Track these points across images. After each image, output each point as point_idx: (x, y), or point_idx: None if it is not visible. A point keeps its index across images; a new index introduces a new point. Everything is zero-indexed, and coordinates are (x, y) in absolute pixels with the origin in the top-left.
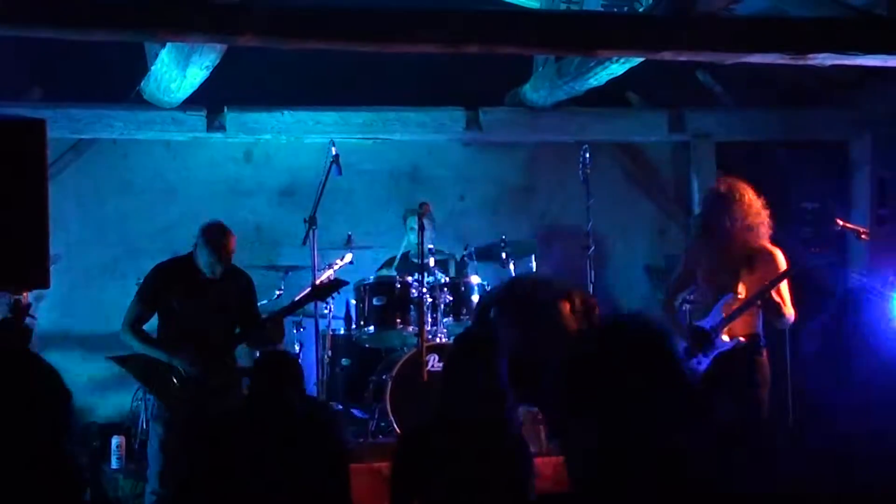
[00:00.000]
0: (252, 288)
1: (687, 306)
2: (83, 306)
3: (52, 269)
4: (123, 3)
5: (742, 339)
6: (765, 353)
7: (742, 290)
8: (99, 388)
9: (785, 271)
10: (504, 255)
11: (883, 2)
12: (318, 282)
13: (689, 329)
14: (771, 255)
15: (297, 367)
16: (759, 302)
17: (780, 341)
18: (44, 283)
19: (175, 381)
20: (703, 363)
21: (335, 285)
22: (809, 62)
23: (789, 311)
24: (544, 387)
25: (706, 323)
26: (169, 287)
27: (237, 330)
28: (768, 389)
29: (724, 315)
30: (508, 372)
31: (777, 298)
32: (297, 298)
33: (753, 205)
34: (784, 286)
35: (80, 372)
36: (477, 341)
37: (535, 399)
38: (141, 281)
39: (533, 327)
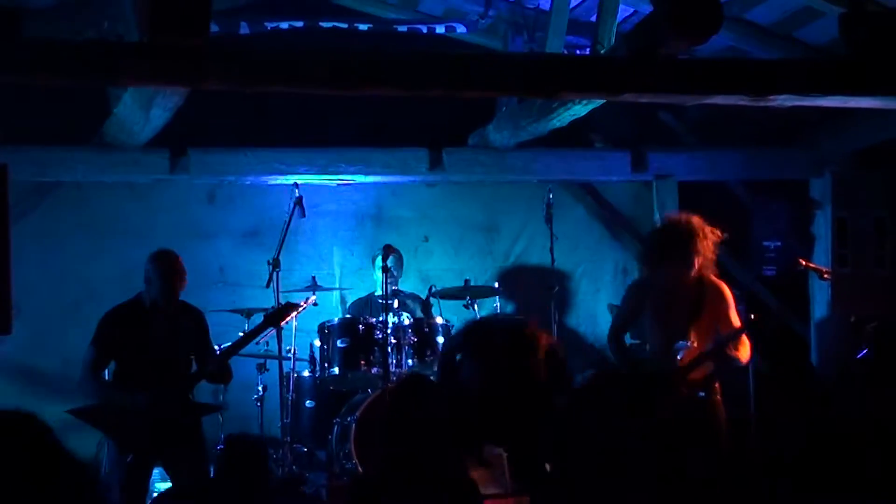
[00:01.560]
0: (205, 324)
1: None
2: (46, 349)
3: (13, 313)
4: (86, 49)
5: (702, 392)
6: (719, 393)
7: (694, 338)
8: (61, 432)
9: (737, 329)
10: (468, 295)
11: (842, 43)
12: (270, 309)
13: (640, 374)
14: (720, 291)
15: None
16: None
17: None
18: (5, 328)
19: (135, 424)
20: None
21: (288, 308)
22: (770, 104)
23: (745, 356)
24: (518, 434)
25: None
26: (121, 330)
27: (194, 367)
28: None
29: (679, 364)
30: (476, 414)
31: (731, 353)
32: (251, 330)
33: (710, 239)
34: (736, 319)
35: (42, 415)
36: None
37: (503, 441)
38: None
39: (498, 370)
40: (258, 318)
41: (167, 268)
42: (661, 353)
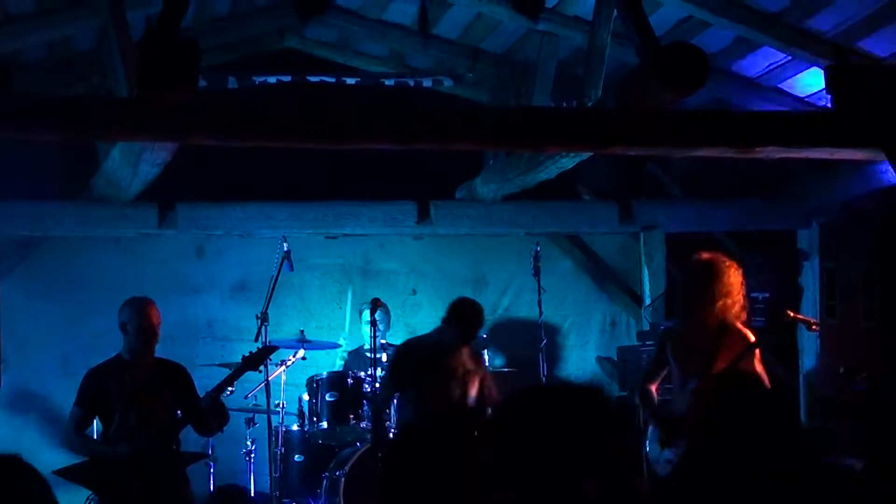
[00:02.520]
0: (189, 378)
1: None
2: (34, 404)
3: (2, 368)
4: (75, 104)
5: None
6: None
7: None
8: (52, 486)
9: (752, 343)
10: None
11: (828, 95)
12: (248, 353)
13: (660, 419)
14: (741, 337)
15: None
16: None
17: None
18: None
19: (121, 479)
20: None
21: (266, 352)
22: (756, 155)
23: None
24: None
25: (676, 410)
26: (103, 386)
27: (179, 414)
28: None
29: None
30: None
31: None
32: (230, 374)
33: (735, 281)
34: (758, 367)
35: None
36: None
37: None
38: None
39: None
40: (247, 372)
41: (139, 310)
42: (676, 396)
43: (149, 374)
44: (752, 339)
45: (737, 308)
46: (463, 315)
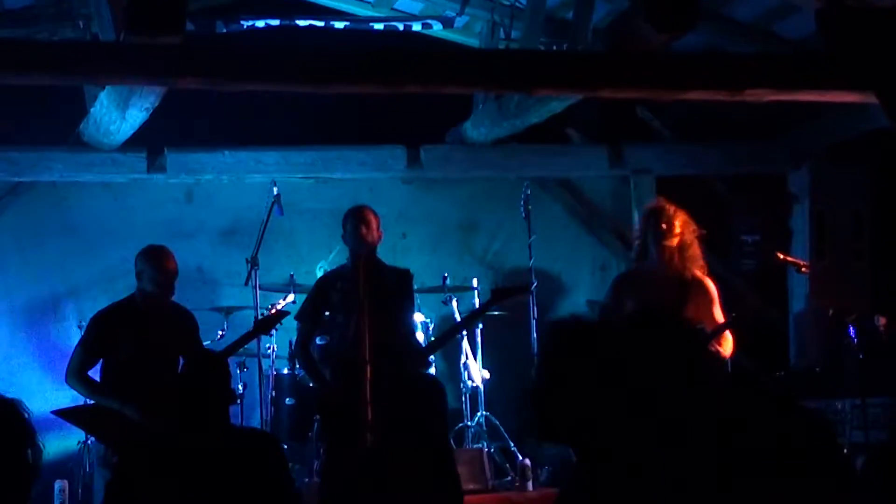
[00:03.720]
0: (196, 329)
1: None
2: (25, 348)
3: None
4: (63, 47)
5: None
6: None
7: None
8: (41, 431)
9: (720, 325)
10: (446, 292)
11: (818, 37)
12: (260, 317)
13: None
14: (704, 287)
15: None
16: None
17: None
18: None
19: (123, 426)
20: None
21: (278, 317)
22: (746, 98)
23: (728, 350)
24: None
25: None
26: (112, 333)
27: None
28: None
29: None
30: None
31: (714, 348)
32: (241, 336)
33: (687, 224)
34: (720, 316)
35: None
36: None
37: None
38: (83, 326)
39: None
40: (237, 317)
41: (156, 259)
42: None
43: (163, 320)
44: (714, 290)
45: (697, 258)
46: (349, 215)
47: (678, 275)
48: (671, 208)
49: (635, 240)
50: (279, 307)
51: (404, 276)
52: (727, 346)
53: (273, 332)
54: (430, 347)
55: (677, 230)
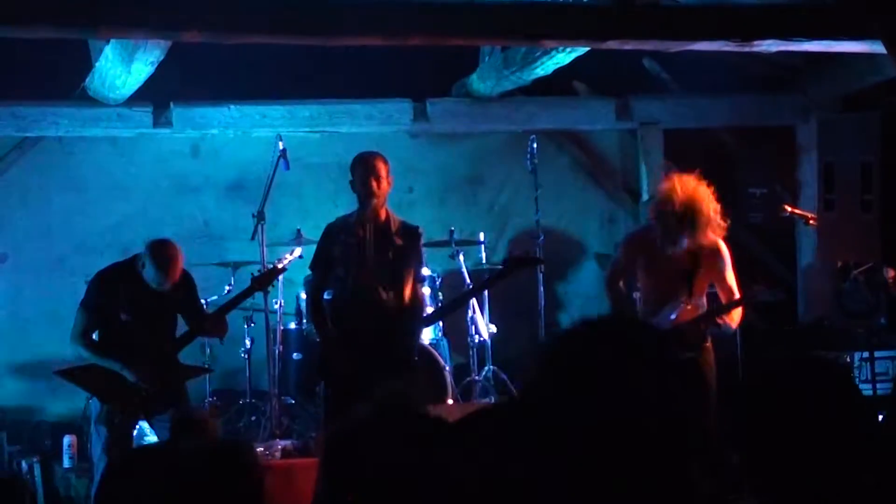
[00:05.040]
0: (194, 287)
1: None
2: (32, 304)
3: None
4: (64, 1)
5: (690, 353)
6: (711, 353)
7: (686, 298)
8: (50, 387)
9: (734, 301)
10: (453, 246)
11: None
12: (258, 273)
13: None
14: (717, 251)
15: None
16: (703, 325)
17: None
18: None
19: (125, 387)
20: None
21: (274, 272)
22: (755, 49)
23: (735, 321)
24: None
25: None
26: (113, 295)
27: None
28: (715, 377)
29: (673, 324)
30: None
31: (724, 321)
32: (238, 293)
33: (707, 209)
34: (732, 279)
35: (30, 370)
36: None
37: None
38: (87, 282)
39: None
40: (244, 271)
41: (164, 263)
42: (651, 311)
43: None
44: (726, 252)
45: (712, 224)
46: (358, 163)
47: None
48: (687, 177)
49: (651, 200)
50: (286, 261)
51: (413, 233)
52: (736, 314)
53: (270, 288)
54: (437, 314)
55: (700, 234)
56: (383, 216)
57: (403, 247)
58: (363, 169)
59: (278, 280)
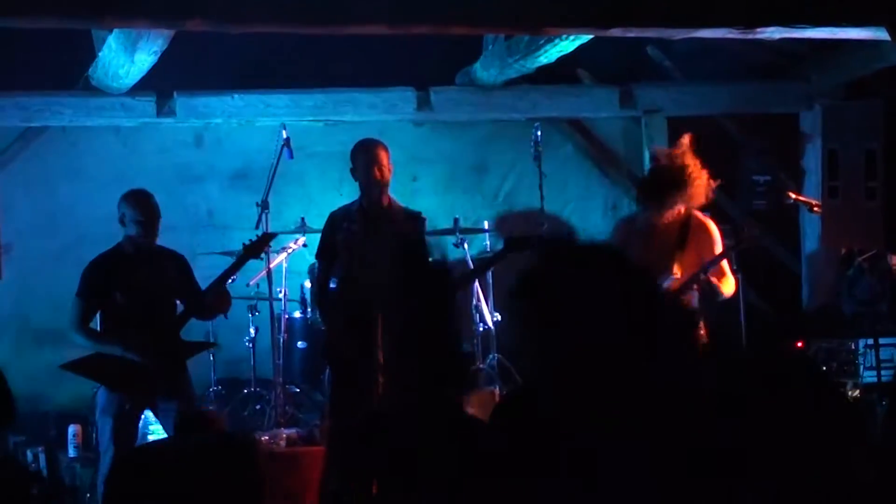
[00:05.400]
0: (188, 266)
1: None
2: (36, 294)
3: (3, 258)
4: None
5: None
6: (702, 326)
7: (678, 271)
8: (54, 376)
9: (718, 255)
10: (458, 234)
11: None
12: (248, 241)
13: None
14: (704, 227)
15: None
16: (695, 285)
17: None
18: None
19: (131, 372)
20: None
21: (265, 238)
22: (758, 36)
23: (728, 289)
24: None
25: None
26: (106, 279)
27: (181, 308)
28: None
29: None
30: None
31: (713, 280)
32: (232, 263)
33: (701, 181)
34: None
35: (34, 360)
36: None
37: None
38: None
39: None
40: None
41: (138, 202)
42: None
43: (151, 264)
44: (715, 229)
45: (698, 196)
46: (359, 151)
47: (678, 215)
48: (672, 150)
49: (642, 191)
50: (290, 251)
51: (415, 220)
52: (727, 284)
53: (262, 255)
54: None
55: (692, 198)
56: (385, 202)
57: (407, 233)
58: (365, 158)
59: (282, 266)
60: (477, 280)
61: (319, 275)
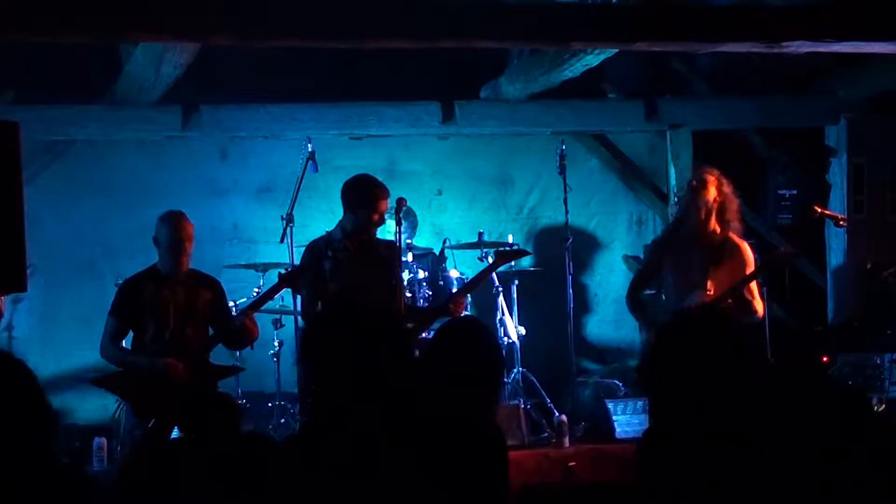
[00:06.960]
0: (222, 293)
1: (647, 292)
2: (62, 307)
3: (29, 271)
4: (95, 4)
5: None
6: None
7: (711, 287)
8: (80, 389)
9: (752, 272)
10: (482, 248)
11: None
12: (284, 271)
13: (655, 323)
14: (739, 249)
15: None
16: (728, 300)
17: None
18: (21, 286)
19: (160, 391)
20: None
21: (301, 271)
22: (784, 50)
23: (759, 308)
24: None
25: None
26: (139, 298)
27: (211, 332)
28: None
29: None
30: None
31: (747, 296)
32: (266, 290)
33: (728, 197)
34: (753, 283)
35: (60, 373)
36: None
37: None
38: (118, 286)
39: None
40: (273, 274)
41: (173, 222)
42: (673, 302)
43: (185, 287)
44: (750, 253)
45: (735, 221)
46: (366, 193)
47: (714, 237)
48: (710, 174)
49: (678, 203)
50: None
51: (392, 246)
52: (759, 304)
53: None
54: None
55: (712, 195)
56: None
57: (388, 258)
58: (373, 203)
59: None
60: (501, 289)
61: (306, 304)
